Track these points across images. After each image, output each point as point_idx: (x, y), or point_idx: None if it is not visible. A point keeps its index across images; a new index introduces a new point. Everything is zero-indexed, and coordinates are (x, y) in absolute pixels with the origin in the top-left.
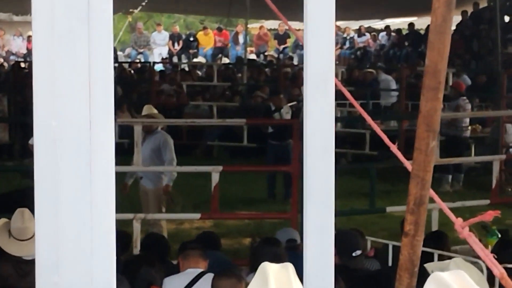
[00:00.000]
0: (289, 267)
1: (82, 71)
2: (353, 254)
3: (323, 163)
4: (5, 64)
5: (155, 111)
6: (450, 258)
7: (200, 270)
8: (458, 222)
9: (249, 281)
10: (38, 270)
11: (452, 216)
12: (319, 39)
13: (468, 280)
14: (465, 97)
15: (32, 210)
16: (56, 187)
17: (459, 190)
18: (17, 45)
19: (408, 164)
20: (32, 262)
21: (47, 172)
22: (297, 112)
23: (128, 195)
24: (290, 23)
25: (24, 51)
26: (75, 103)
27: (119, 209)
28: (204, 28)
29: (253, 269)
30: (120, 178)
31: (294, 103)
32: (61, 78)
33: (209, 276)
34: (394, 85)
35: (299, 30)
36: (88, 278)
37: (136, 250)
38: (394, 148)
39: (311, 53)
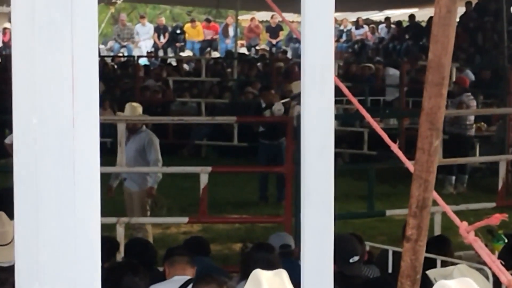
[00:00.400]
0: (283, 274)
1: (65, 65)
2: (351, 260)
3: (321, 162)
4: None
5: (138, 109)
6: (453, 264)
7: (187, 278)
8: (463, 226)
9: (231, 283)
10: (18, 277)
11: (456, 220)
12: (318, 31)
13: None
14: (469, 93)
15: (9, 213)
16: (37, 189)
17: (463, 192)
18: None
19: (410, 165)
20: (9, 269)
21: (28, 173)
22: (288, 109)
23: (110, 197)
24: (283, 14)
25: None
26: (57, 99)
27: (101, 212)
28: (192, 20)
29: (244, 276)
30: (103, 179)
31: (287, 99)
32: (43, 72)
33: None
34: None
35: (293, 22)
36: (71, 287)
37: (119, 256)
38: (395, 147)
39: (309, 46)
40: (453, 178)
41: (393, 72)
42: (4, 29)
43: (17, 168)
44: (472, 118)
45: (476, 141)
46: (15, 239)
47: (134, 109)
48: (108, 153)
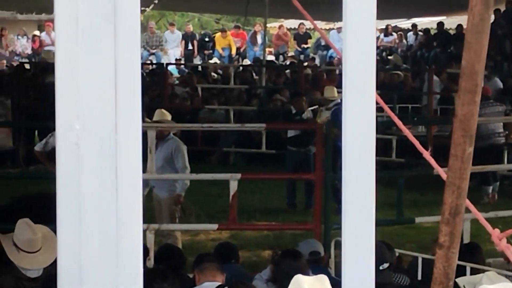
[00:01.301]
0: (324, 279)
1: (108, 71)
2: (380, 268)
3: (363, 168)
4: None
5: (167, 116)
6: (483, 271)
7: (217, 284)
8: (495, 233)
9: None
10: (61, 281)
11: (489, 227)
12: (360, 38)
13: None
14: (490, 101)
15: (36, 218)
16: (80, 194)
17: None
18: (22, 45)
19: (442, 172)
20: (36, 280)
21: (70, 179)
22: (314, 116)
23: None
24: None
25: (29, 51)
26: (100, 104)
27: None
28: (223, 30)
29: (274, 281)
30: None
31: (316, 107)
32: (85, 77)
33: None
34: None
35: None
36: None
37: (150, 262)
38: (427, 154)
39: (351, 53)
40: (490, 188)
41: (435, 78)
42: (34, 36)
43: (59, 173)
44: (495, 127)
45: (504, 149)
46: (58, 245)
47: (163, 116)
48: None
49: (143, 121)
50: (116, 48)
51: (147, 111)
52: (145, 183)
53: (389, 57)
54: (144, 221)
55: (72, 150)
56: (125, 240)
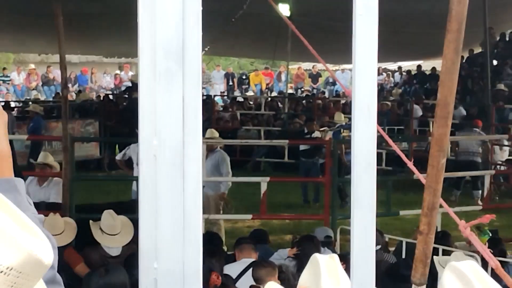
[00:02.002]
0: (335, 257)
1: (177, 101)
2: None
3: (367, 175)
4: (97, 96)
5: (216, 134)
6: (451, 252)
7: (252, 260)
8: (462, 223)
9: (287, 263)
10: (141, 258)
11: (457, 219)
12: (365, 76)
13: (480, 269)
14: (475, 129)
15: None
16: (156, 192)
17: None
18: (106, 81)
19: (421, 177)
20: (116, 258)
21: (149, 181)
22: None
23: None
24: (321, 64)
25: (112, 86)
26: (172, 126)
27: None
28: (256, 70)
29: (295, 258)
30: None
31: (325, 128)
32: (161, 106)
33: None
34: (420, 113)
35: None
36: (181, 265)
37: None
38: (410, 164)
39: (359, 87)
40: (458, 192)
41: (416, 107)
42: (115, 75)
43: (141, 178)
44: (472, 147)
45: (478, 163)
46: (139, 230)
47: (212, 133)
48: None
49: None
50: (184, 85)
51: None
52: None
53: (393, 91)
54: None
55: (151, 160)
56: (189, 228)
